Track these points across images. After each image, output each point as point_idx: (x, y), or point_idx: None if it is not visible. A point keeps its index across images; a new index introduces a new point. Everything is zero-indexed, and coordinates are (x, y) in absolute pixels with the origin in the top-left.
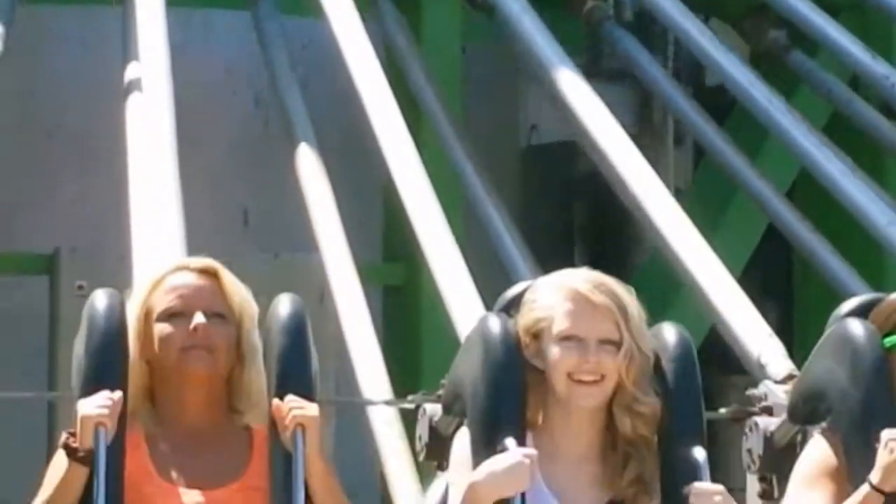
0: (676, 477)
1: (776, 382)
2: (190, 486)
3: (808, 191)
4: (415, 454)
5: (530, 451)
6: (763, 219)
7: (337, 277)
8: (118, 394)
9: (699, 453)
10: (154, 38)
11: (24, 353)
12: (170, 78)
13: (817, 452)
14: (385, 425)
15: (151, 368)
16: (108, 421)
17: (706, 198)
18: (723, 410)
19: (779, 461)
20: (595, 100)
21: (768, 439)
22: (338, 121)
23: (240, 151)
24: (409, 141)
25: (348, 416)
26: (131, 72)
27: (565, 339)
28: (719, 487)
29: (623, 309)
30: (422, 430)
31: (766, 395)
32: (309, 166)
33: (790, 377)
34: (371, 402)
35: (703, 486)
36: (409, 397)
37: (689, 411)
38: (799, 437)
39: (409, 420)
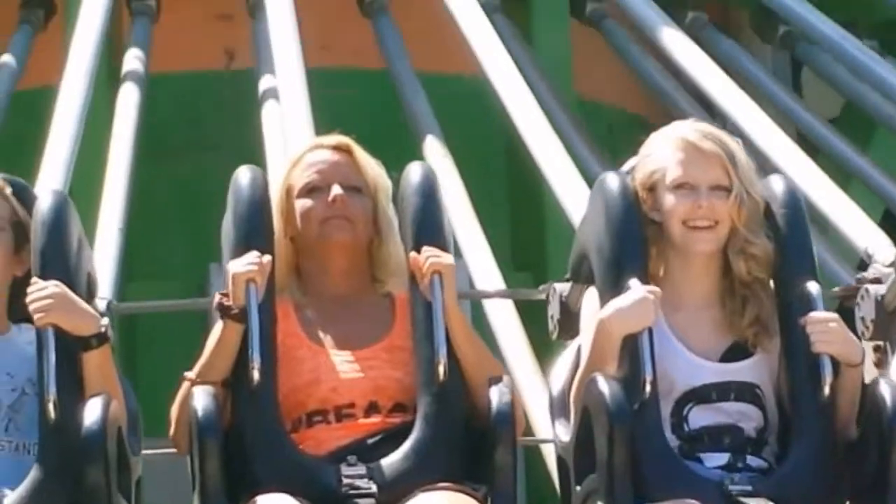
0: (793, 312)
1: (885, 267)
2: (339, 347)
3: None
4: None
5: (654, 288)
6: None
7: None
8: (267, 256)
9: (813, 287)
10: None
11: None
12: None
13: None
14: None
15: (296, 245)
16: (258, 277)
17: None
18: (835, 289)
19: (891, 326)
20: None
21: (879, 303)
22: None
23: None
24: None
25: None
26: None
27: (678, 186)
28: (834, 315)
29: (731, 155)
30: (553, 310)
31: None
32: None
33: None
34: (492, 295)
35: (819, 314)
36: (540, 287)
37: (801, 250)
38: None
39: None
